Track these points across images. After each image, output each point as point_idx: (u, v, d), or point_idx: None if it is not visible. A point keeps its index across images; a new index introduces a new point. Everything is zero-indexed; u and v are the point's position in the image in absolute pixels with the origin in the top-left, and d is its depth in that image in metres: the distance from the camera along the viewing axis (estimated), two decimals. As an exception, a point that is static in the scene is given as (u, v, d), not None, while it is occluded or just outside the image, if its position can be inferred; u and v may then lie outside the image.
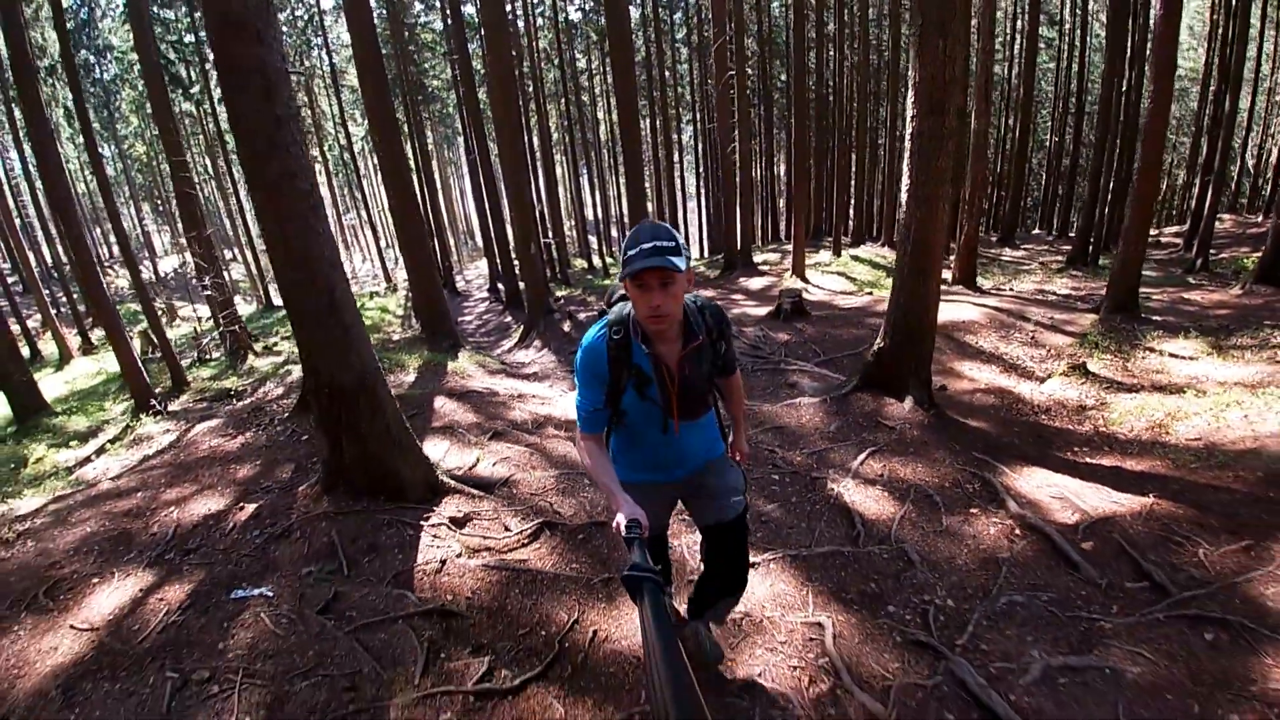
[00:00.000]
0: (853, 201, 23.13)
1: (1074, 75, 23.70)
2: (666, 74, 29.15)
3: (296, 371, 8.54)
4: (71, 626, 2.92)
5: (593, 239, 33.33)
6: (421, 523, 3.36)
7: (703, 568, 2.34)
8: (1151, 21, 8.65)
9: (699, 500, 2.21)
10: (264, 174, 2.88)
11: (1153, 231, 25.64)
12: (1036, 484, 3.89)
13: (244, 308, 25.48)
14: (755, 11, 25.50)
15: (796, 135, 14.46)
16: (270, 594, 2.83)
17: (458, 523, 3.39)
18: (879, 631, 2.67)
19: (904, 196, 4.77)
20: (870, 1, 23.11)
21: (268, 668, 2.39)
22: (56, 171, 7.33)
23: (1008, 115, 25.95)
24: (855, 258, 16.92)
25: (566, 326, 12.01)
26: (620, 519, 1.65)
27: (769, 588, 2.97)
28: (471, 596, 2.87)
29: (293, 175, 2.89)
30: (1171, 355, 7.17)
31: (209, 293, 11.40)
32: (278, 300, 30.26)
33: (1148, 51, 11.19)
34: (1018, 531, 3.35)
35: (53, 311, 21.27)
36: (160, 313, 12.90)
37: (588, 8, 28.55)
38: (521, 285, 14.69)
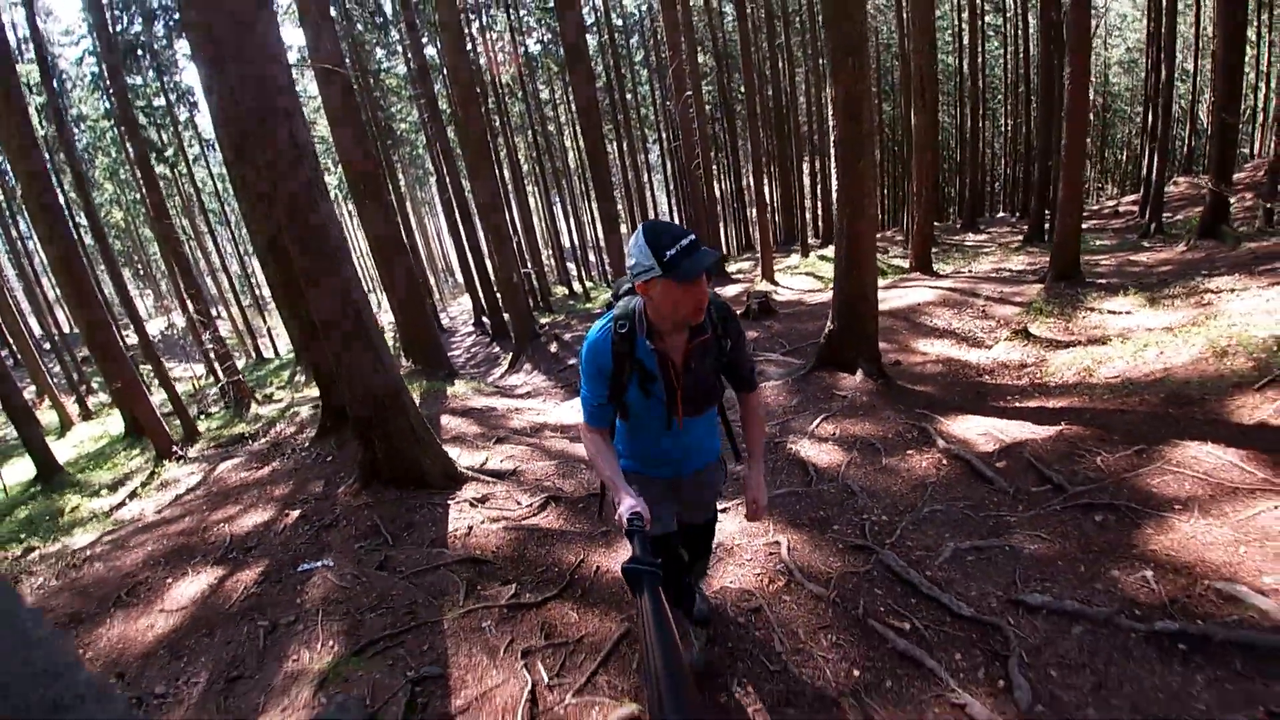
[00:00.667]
0: (820, 204, 24.05)
1: (1021, 60, 24.86)
2: (628, 96, 30.19)
3: (304, 412, 9.17)
4: (161, 610, 3.56)
5: (571, 265, 34.16)
6: (448, 502, 4.04)
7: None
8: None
9: (687, 501, 2.34)
10: (300, 227, 3.59)
11: (1111, 201, 26.76)
12: (967, 427, 4.59)
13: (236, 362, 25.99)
14: (709, 29, 26.63)
15: (755, 145, 15.37)
16: (331, 564, 3.48)
17: (477, 501, 4.07)
18: (825, 543, 3.36)
19: (834, 196, 5.53)
20: (819, 11, 24.25)
21: (341, 609, 3.04)
22: (69, 243, 7.97)
23: (963, 105, 27.05)
24: (822, 257, 17.82)
25: (553, 348, 12.69)
26: (623, 511, 1.71)
27: (738, 524, 3.65)
28: (496, 550, 3.54)
29: (324, 227, 3.59)
30: (1110, 312, 7.93)
31: (209, 346, 12.05)
32: (268, 353, 30.95)
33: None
34: (944, 462, 4.05)
35: (49, 381, 21.80)
36: (152, 373, 13.55)
37: (546, 39, 29.56)
38: (506, 316, 15.40)
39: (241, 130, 3.57)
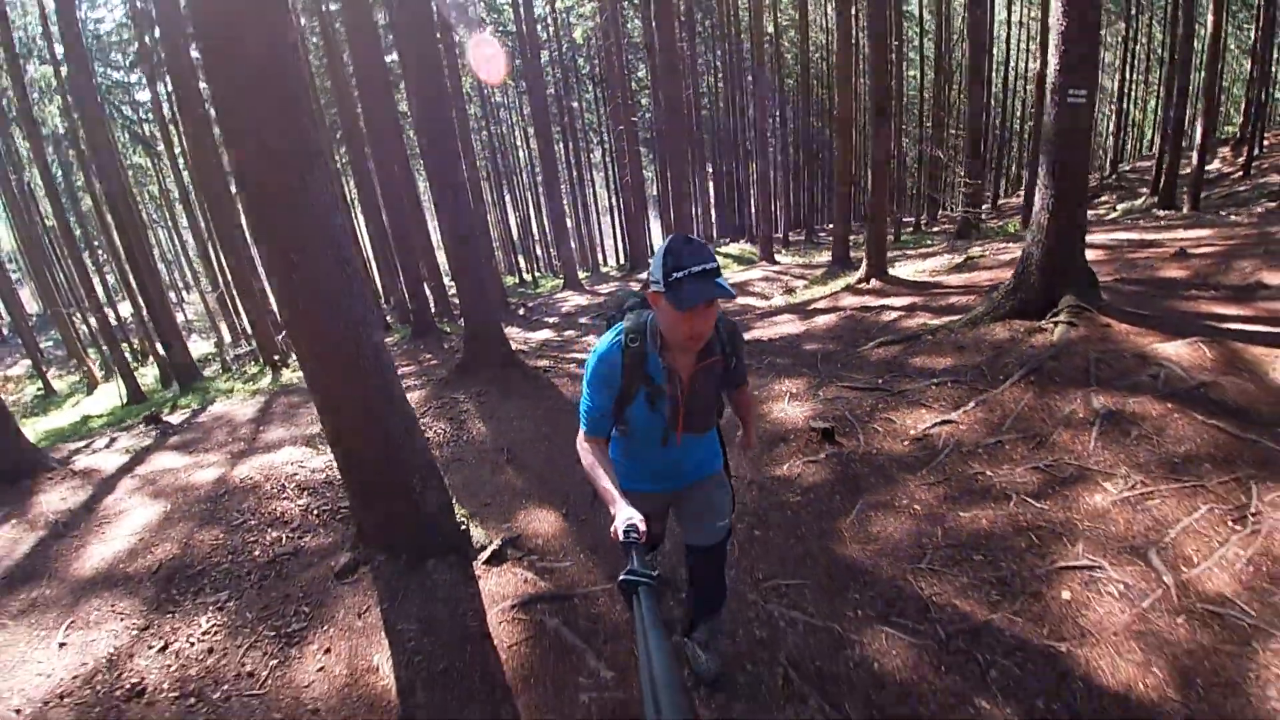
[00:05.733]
0: (727, 208, 31.45)
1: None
2: (575, 104, 37.02)
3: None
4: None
5: (520, 259, 41.04)
6: (519, 359, 10.96)
7: (688, 584, 2.86)
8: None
9: (687, 517, 2.58)
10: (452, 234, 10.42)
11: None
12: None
13: (203, 344, 31.54)
14: (646, 41, 33.58)
15: (671, 164, 22.46)
16: (467, 352, 10.44)
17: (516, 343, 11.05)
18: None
19: (667, 209, 12.64)
20: (726, 47, 31.46)
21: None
22: (133, 227, 14.17)
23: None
24: (718, 252, 25.19)
25: (521, 312, 19.57)
26: (619, 523, 1.89)
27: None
28: (527, 349, 10.48)
29: (475, 237, 10.43)
30: (844, 278, 15.22)
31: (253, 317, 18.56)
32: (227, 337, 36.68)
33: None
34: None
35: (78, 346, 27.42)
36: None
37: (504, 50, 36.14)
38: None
39: (431, 138, 9.64)
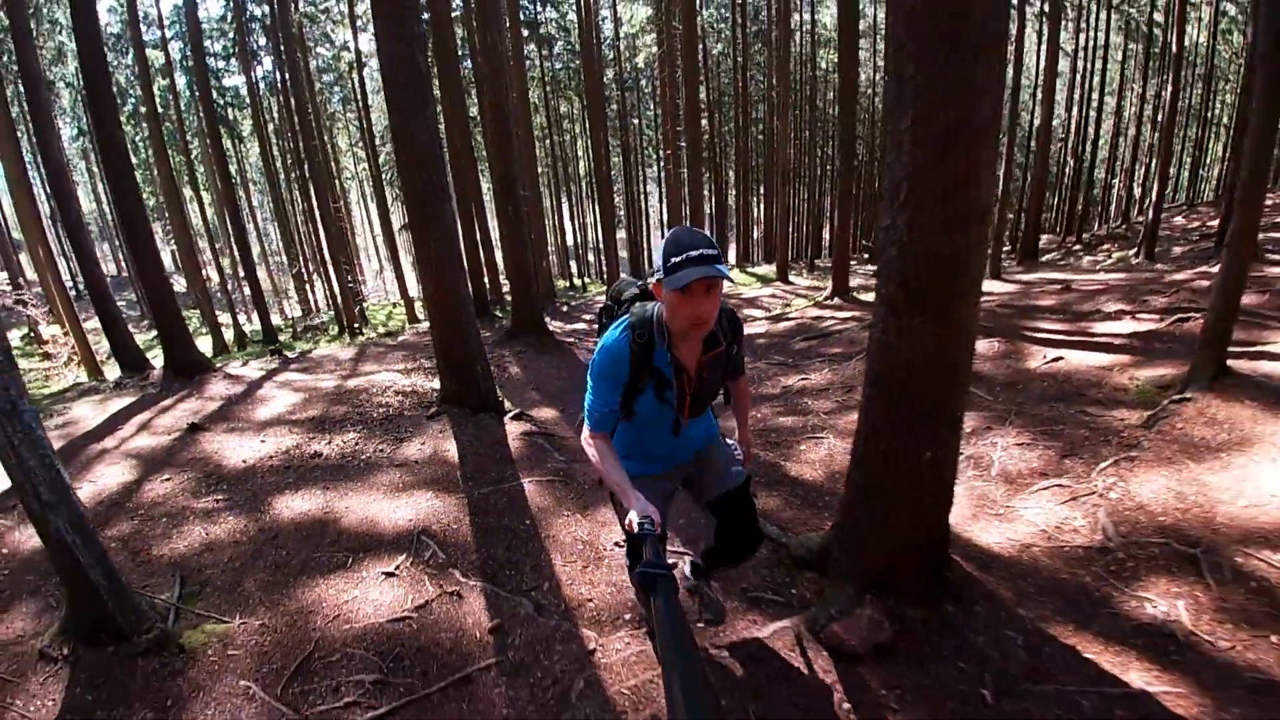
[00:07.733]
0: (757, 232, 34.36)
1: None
2: (634, 121, 40.24)
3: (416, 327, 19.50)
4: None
5: (572, 263, 44.51)
6: (550, 331, 14.24)
7: (718, 537, 2.82)
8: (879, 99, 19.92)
9: (702, 479, 2.68)
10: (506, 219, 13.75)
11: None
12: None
13: (276, 317, 35.86)
14: (705, 74, 36.68)
15: (690, 193, 25.56)
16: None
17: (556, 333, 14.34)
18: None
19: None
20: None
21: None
22: (231, 200, 17.91)
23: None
24: (747, 271, 28.30)
25: (565, 309, 22.90)
26: (634, 516, 1.98)
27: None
28: (560, 333, 13.76)
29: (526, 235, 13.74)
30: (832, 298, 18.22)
31: (352, 285, 22.32)
32: (292, 311, 40.92)
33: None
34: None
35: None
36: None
37: (573, 66, 39.66)
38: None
39: (504, 166, 13.23)
